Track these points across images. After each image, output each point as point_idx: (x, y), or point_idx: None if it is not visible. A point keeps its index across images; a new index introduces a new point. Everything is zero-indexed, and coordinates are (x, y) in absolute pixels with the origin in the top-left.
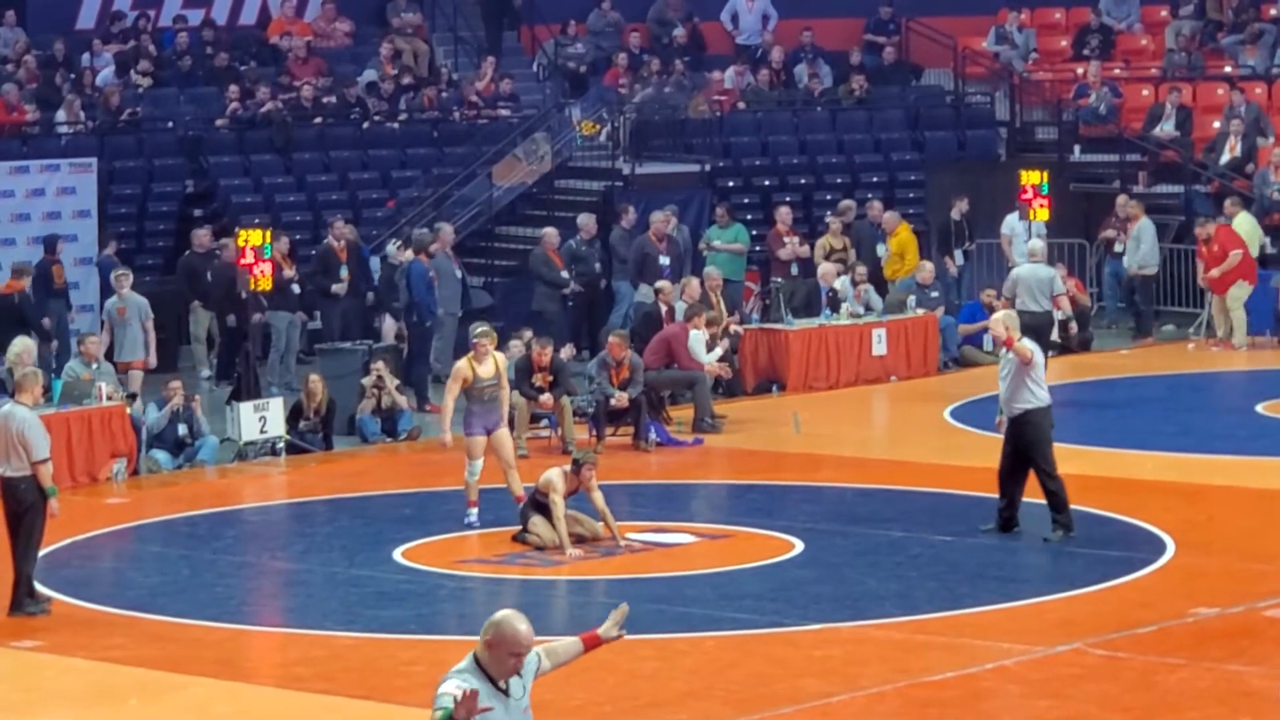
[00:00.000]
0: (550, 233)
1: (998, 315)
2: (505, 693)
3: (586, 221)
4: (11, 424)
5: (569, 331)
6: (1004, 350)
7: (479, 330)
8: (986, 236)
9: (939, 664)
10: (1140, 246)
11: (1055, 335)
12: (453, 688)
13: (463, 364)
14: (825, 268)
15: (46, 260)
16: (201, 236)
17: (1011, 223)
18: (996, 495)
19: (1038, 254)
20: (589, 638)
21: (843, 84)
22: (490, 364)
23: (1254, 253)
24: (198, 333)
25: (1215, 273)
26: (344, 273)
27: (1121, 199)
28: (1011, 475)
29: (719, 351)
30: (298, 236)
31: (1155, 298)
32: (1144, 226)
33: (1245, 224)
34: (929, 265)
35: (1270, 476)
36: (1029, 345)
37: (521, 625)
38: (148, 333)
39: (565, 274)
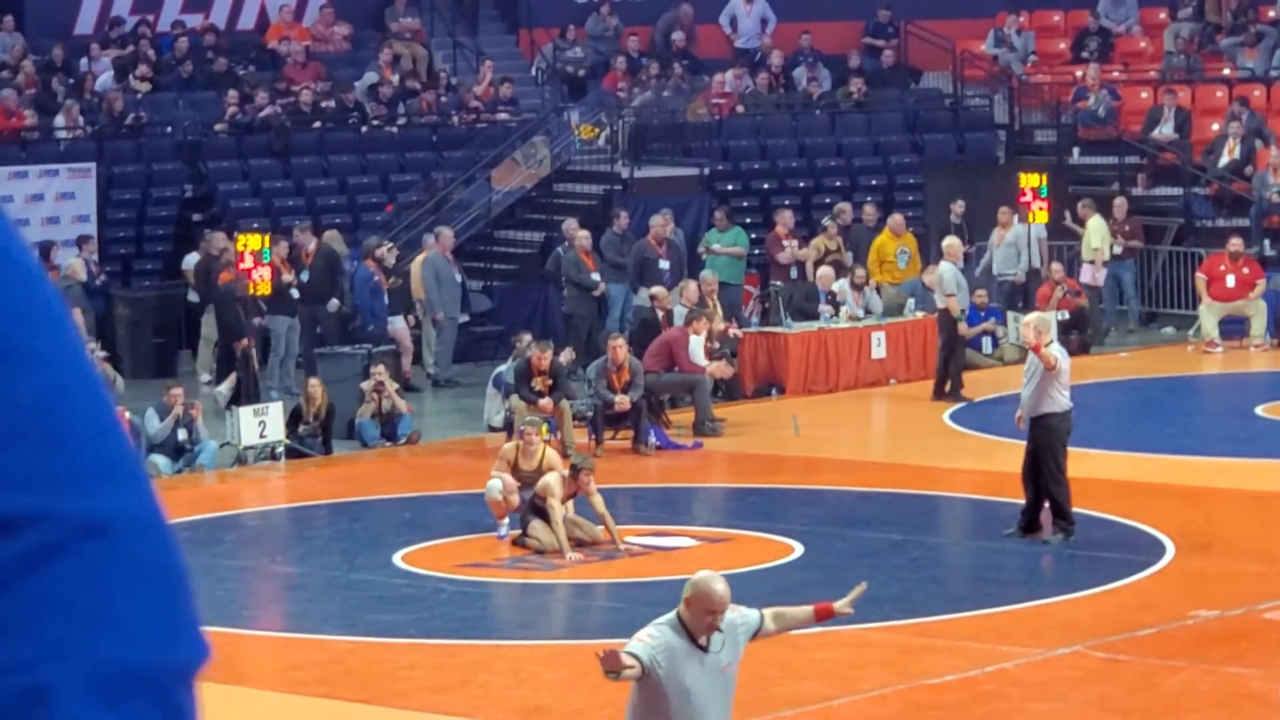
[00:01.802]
0: (582, 235)
1: (1029, 319)
2: (704, 649)
3: (570, 226)
4: None
5: (599, 334)
6: (1030, 353)
7: (527, 419)
8: (986, 239)
9: (939, 667)
10: (1021, 255)
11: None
12: (636, 642)
13: (508, 448)
14: (823, 271)
15: (42, 267)
16: (217, 240)
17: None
18: (1004, 499)
19: (948, 251)
20: (822, 608)
21: (841, 87)
22: (536, 458)
23: (1106, 255)
24: (209, 335)
25: (1254, 294)
26: (305, 276)
27: (1004, 210)
28: (1033, 477)
29: (720, 364)
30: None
31: (1155, 300)
32: (1020, 232)
33: (1098, 227)
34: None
35: (1270, 479)
36: (1055, 351)
37: (717, 585)
38: None
39: (596, 276)
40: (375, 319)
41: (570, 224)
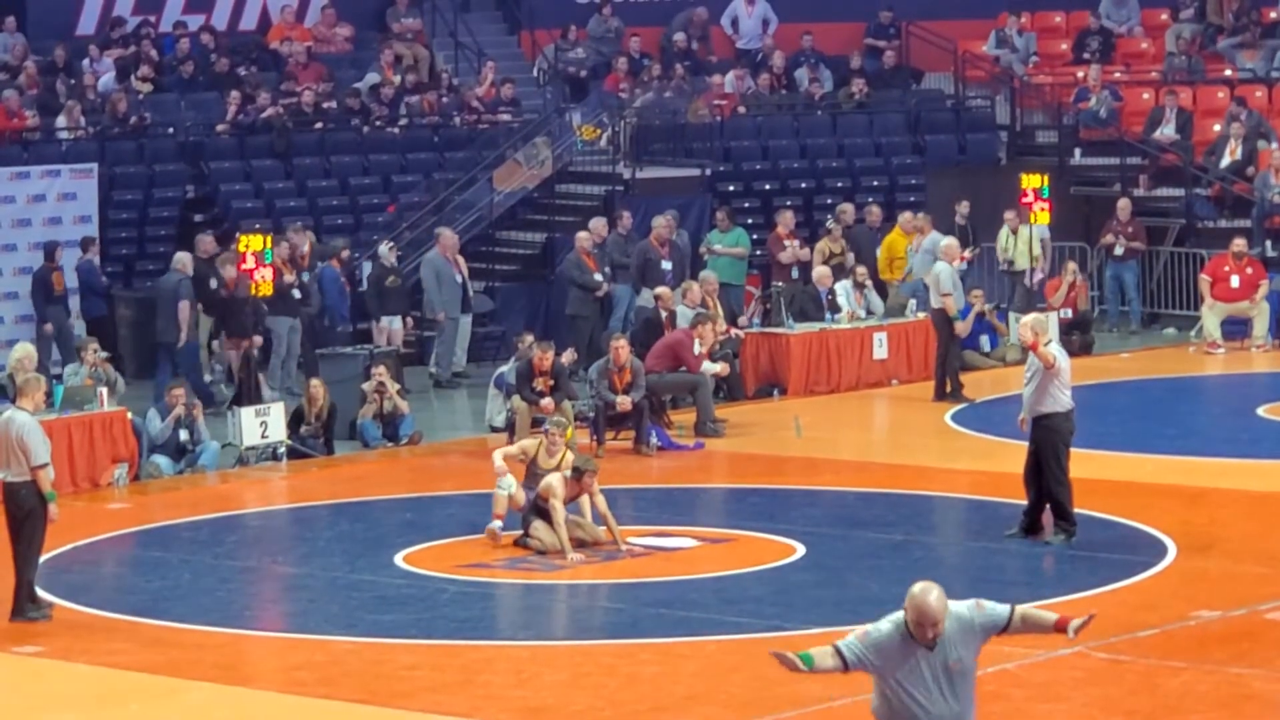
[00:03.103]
0: (582, 236)
1: (1026, 319)
2: (928, 646)
3: (598, 225)
4: (11, 429)
5: (601, 334)
6: (1029, 354)
7: (553, 420)
8: (987, 240)
9: None
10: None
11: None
12: (850, 638)
13: (529, 443)
14: (820, 271)
15: (46, 267)
16: (206, 243)
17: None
18: (1005, 499)
19: (945, 251)
20: (1061, 621)
21: (843, 88)
22: (558, 458)
23: (1039, 259)
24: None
25: (1258, 295)
26: (304, 277)
27: (920, 216)
28: (1035, 478)
29: (719, 367)
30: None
31: (1157, 301)
32: (937, 239)
33: (1026, 234)
34: None
35: (1272, 479)
36: (1054, 351)
37: (930, 598)
38: None
39: (599, 277)
40: (342, 319)
41: (598, 222)
